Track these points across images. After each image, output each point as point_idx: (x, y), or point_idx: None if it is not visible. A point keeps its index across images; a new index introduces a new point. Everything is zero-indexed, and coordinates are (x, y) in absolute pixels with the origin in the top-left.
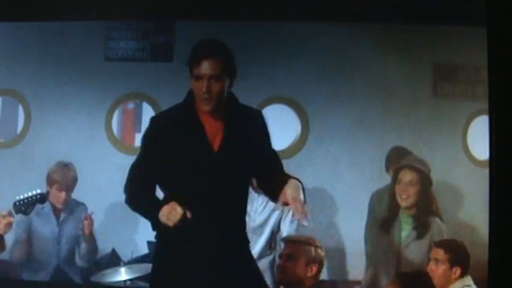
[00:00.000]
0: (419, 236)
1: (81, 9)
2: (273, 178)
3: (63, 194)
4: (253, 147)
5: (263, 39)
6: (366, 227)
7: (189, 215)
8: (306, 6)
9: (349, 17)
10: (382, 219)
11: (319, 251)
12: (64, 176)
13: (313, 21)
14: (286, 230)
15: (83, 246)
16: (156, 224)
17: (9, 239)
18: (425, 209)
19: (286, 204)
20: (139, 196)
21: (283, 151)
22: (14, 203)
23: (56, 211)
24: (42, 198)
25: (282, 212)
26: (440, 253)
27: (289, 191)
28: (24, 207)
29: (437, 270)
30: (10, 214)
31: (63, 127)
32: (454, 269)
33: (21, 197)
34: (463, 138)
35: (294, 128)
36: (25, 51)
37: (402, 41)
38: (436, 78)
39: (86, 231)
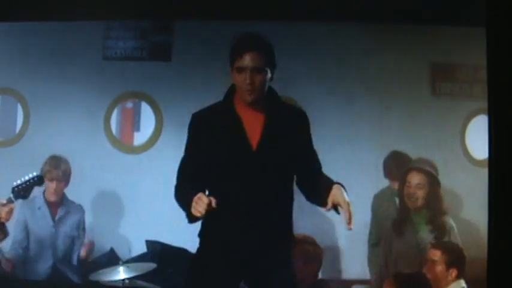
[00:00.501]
0: (437, 237)
1: (80, 9)
2: (313, 180)
3: (54, 184)
4: (294, 146)
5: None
6: (370, 228)
7: (214, 204)
8: (304, 6)
9: (347, 17)
10: (393, 221)
11: (317, 249)
12: (55, 167)
13: (310, 21)
14: None
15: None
16: (189, 216)
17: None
18: (437, 210)
19: (334, 207)
20: (180, 192)
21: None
22: (13, 189)
23: (52, 210)
24: (40, 180)
25: None
26: (437, 254)
27: (340, 195)
28: (23, 191)
29: (434, 271)
30: (10, 200)
31: (61, 126)
32: (450, 270)
33: (19, 181)
34: (462, 138)
35: None
36: (24, 51)
37: (400, 41)
38: (434, 77)
39: (83, 254)
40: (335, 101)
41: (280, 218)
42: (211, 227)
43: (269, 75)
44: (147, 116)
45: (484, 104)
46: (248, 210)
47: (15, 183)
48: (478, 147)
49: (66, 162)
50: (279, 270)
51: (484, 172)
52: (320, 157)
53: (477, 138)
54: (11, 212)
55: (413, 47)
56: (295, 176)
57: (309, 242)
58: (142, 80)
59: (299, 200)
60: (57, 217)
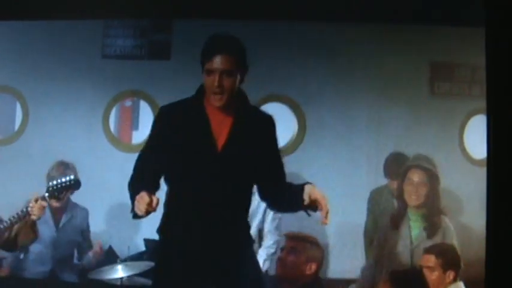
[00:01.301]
0: (431, 235)
1: (79, 8)
2: (282, 186)
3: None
4: (259, 151)
5: (260, 38)
6: (366, 225)
7: (154, 204)
8: (304, 7)
9: (347, 17)
10: (390, 217)
11: (319, 249)
12: (59, 174)
13: (311, 21)
14: (267, 227)
15: (88, 258)
16: (133, 212)
17: None
18: (434, 208)
19: (313, 204)
20: (132, 186)
21: (280, 149)
22: (48, 188)
23: (56, 215)
24: (77, 183)
25: (265, 209)
26: (431, 259)
27: (316, 190)
28: (58, 192)
29: (431, 277)
30: (43, 198)
31: (60, 124)
32: (447, 273)
33: (55, 182)
34: (460, 137)
35: (291, 126)
36: (22, 49)
37: (399, 40)
38: (433, 77)
39: (93, 260)
40: (334, 100)
41: (238, 218)
42: (170, 224)
43: (239, 78)
44: (146, 115)
45: (483, 104)
46: (207, 210)
47: (50, 183)
48: (477, 146)
49: (73, 169)
50: (242, 269)
51: (483, 171)
52: (317, 155)
53: (475, 138)
54: (43, 209)
55: (412, 47)
56: (257, 186)
57: (310, 241)
58: (141, 78)
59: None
60: (60, 224)
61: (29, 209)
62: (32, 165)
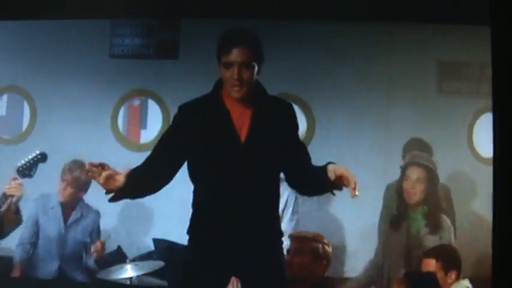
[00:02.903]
0: (431, 233)
1: (87, 8)
2: (306, 169)
3: (68, 189)
4: (282, 138)
5: (267, 36)
6: (380, 221)
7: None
8: (310, 5)
9: (355, 16)
10: (391, 217)
11: (327, 247)
12: (70, 172)
13: (319, 20)
14: (284, 227)
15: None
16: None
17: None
18: (435, 207)
19: (339, 180)
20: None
21: None
22: (18, 169)
23: (65, 212)
24: (43, 157)
25: (283, 210)
26: (432, 263)
27: (340, 167)
28: (28, 170)
29: None
30: (15, 178)
31: (68, 124)
32: (449, 274)
33: (23, 161)
34: (469, 136)
35: (300, 125)
36: (29, 48)
37: (406, 39)
38: (441, 75)
39: (95, 254)
40: (341, 98)
41: (268, 213)
42: (199, 222)
43: (256, 69)
44: (154, 114)
45: (491, 102)
46: (237, 205)
47: (19, 164)
48: (485, 144)
49: (84, 169)
50: (268, 265)
51: (491, 170)
52: (326, 154)
53: (484, 136)
54: (21, 185)
55: (419, 45)
56: (284, 173)
57: (318, 240)
58: (149, 77)
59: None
60: (69, 220)
61: (6, 191)
62: (41, 165)
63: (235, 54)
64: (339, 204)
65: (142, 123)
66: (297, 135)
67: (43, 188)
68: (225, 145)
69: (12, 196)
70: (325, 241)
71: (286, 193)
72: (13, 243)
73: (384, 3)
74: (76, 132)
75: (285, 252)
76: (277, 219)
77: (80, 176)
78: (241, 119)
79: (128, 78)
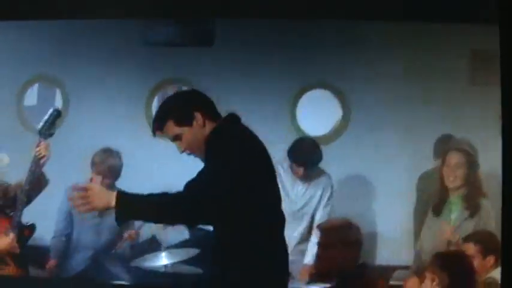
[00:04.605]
0: (470, 217)
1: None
2: None
3: (99, 178)
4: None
5: (305, 25)
6: (415, 211)
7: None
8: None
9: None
10: (433, 203)
11: (356, 231)
12: (105, 162)
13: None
14: (320, 215)
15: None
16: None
17: (48, 225)
18: (475, 191)
19: None
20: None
21: (324, 136)
22: (39, 132)
23: None
24: (58, 113)
25: (320, 198)
26: (470, 248)
27: None
28: (48, 129)
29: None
30: (40, 141)
31: (101, 112)
32: (487, 259)
33: (41, 123)
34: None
35: (335, 113)
36: (62, 37)
37: (439, 30)
38: (474, 66)
39: (130, 242)
40: (376, 87)
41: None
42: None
43: (192, 128)
44: None
45: None
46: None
47: (38, 127)
48: None
49: (116, 155)
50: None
51: None
52: (361, 142)
53: None
54: (48, 146)
55: (453, 36)
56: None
57: (348, 227)
58: (183, 66)
59: (340, 182)
60: None
61: (36, 153)
62: (72, 154)
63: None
64: (373, 195)
65: None
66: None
67: (74, 177)
68: None
69: (42, 158)
70: (354, 225)
71: (321, 185)
72: (47, 233)
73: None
74: (109, 121)
75: (315, 245)
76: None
77: (114, 164)
78: None
79: (162, 66)
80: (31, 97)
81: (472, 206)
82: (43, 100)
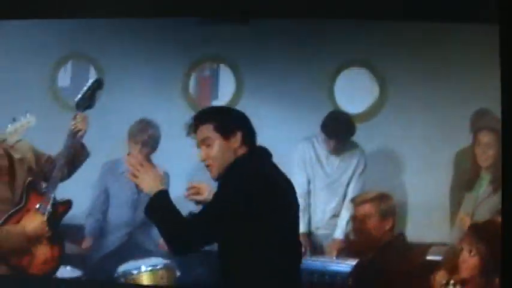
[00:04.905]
0: (497, 189)
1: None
2: None
3: (138, 149)
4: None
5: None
6: (451, 186)
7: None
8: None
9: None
10: (465, 181)
11: (390, 202)
12: (144, 131)
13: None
14: (353, 188)
15: None
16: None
17: (82, 203)
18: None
19: None
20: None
21: (360, 114)
22: (77, 104)
23: None
24: (100, 83)
25: (354, 172)
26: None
27: None
28: (87, 101)
29: None
30: (76, 113)
31: (137, 90)
32: None
33: (80, 95)
34: None
35: (372, 91)
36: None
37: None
38: None
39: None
40: (414, 64)
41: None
42: None
43: (226, 143)
44: (226, 83)
45: None
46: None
47: (76, 99)
48: None
49: (154, 126)
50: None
51: None
52: (401, 120)
53: None
54: (85, 118)
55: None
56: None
57: (383, 199)
58: (220, 43)
59: (374, 159)
60: None
61: (72, 127)
62: (108, 132)
63: (197, 135)
64: (408, 171)
65: (212, 94)
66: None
67: (110, 154)
68: None
69: (78, 131)
70: (388, 196)
71: (354, 159)
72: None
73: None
74: (145, 98)
75: (346, 220)
76: None
77: (153, 134)
78: None
79: (199, 43)
80: (65, 75)
81: (498, 180)
82: (78, 78)
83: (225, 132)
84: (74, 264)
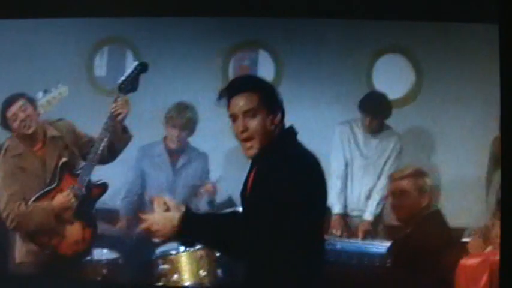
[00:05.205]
0: None
1: None
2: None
3: (176, 131)
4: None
5: None
6: (488, 169)
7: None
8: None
9: None
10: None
11: (426, 179)
12: (181, 115)
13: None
14: (387, 171)
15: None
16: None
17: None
18: None
19: None
20: None
21: (398, 100)
22: (119, 87)
23: (173, 158)
24: (144, 66)
25: (390, 154)
26: None
27: None
28: (130, 84)
29: None
30: (117, 96)
31: (176, 71)
32: None
33: (123, 77)
34: None
35: (408, 77)
36: None
37: None
38: None
39: (207, 196)
40: (450, 49)
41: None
42: None
43: (269, 118)
44: (265, 68)
45: None
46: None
47: (118, 81)
48: None
49: (192, 109)
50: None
51: None
52: (437, 104)
53: None
54: (126, 102)
55: None
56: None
57: (417, 175)
58: (258, 28)
59: (410, 141)
60: (177, 165)
61: (112, 110)
62: (147, 114)
63: (236, 104)
64: (443, 154)
65: None
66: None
67: (147, 137)
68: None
69: (119, 115)
70: (425, 173)
71: (391, 142)
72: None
73: None
74: (185, 80)
75: (377, 202)
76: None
77: (191, 117)
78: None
79: (240, 27)
80: (101, 60)
81: None
82: (115, 62)
83: (270, 108)
84: (111, 247)
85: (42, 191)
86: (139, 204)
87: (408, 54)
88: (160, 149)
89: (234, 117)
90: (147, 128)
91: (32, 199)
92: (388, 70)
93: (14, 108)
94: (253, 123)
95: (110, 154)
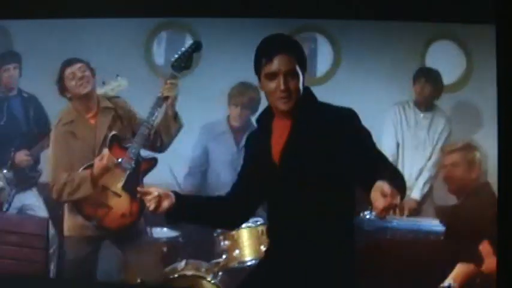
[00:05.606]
0: None
1: None
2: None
3: (238, 110)
4: (329, 151)
5: None
6: None
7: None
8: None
9: None
10: None
11: (476, 152)
12: (244, 94)
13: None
14: (439, 146)
15: None
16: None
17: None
18: None
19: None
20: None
21: (449, 85)
22: (172, 64)
23: (236, 136)
24: (198, 45)
25: (441, 133)
26: None
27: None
28: (184, 62)
29: None
30: (173, 77)
31: (238, 53)
32: None
33: (176, 55)
34: None
35: (459, 64)
36: None
37: None
38: None
39: None
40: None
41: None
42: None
43: (302, 79)
44: (323, 54)
45: None
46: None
47: (172, 59)
48: None
49: (255, 90)
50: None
51: None
52: (488, 89)
53: None
54: (173, 85)
55: None
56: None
57: (470, 149)
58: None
59: (463, 123)
60: (241, 144)
61: (160, 94)
62: (208, 93)
63: (279, 63)
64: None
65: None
66: (363, 144)
67: (210, 116)
68: (261, 169)
69: (167, 98)
70: (475, 147)
71: (441, 124)
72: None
73: None
74: (245, 61)
75: (425, 181)
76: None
77: (254, 96)
78: (280, 137)
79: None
80: (160, 44)
81: None
82: (175, 45)
83: (304, 70)
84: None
85: (91, 162)
86: (203, 181)
87: (458, 41)
88: (225, 127)
89: (272, 76)
90: (211, 106)
91: (80, 170)
92: (440, 57)
93: (73, 68)
94: (296, 85)
95: (161, 142)
